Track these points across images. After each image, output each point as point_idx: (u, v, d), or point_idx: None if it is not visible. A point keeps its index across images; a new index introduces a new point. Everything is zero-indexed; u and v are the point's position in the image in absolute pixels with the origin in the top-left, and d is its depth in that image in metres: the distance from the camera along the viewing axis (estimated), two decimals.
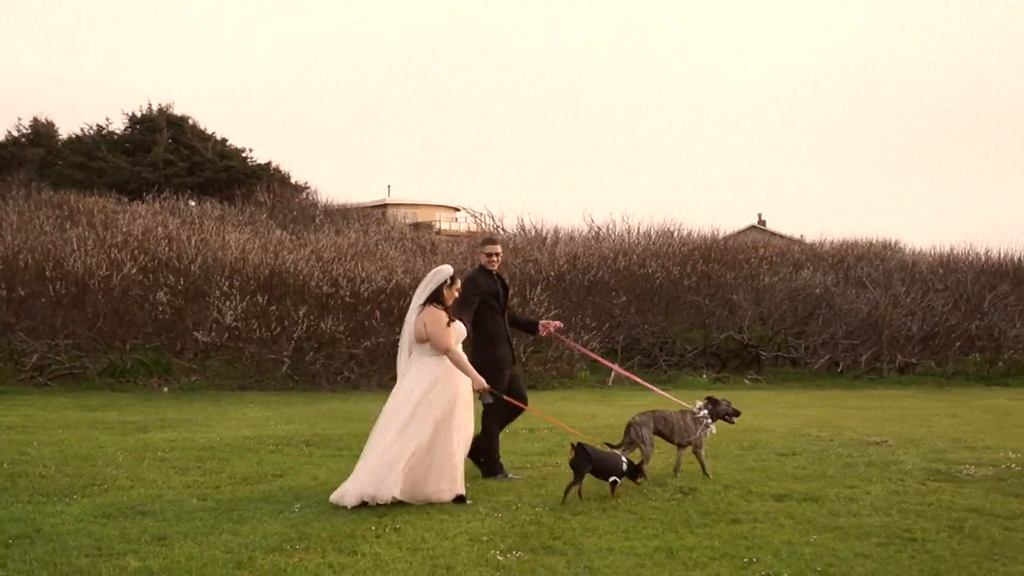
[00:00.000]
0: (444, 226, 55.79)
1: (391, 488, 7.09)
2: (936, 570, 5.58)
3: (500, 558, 5.71)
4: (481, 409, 8.23)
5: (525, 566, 5.56)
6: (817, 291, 23.14)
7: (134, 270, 18.41)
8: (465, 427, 7.57)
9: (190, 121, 41.14)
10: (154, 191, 32.51)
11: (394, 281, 18.88)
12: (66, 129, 45.48)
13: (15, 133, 46.29)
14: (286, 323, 17.74)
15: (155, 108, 41.10)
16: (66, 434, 11.27)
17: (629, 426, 8.28)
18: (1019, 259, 26.12)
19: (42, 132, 45.12)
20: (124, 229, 20.43)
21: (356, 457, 9.52)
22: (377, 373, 18.70)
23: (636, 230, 33.38)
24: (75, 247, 18.04)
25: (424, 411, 7.32)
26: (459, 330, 7.68)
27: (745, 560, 5.72)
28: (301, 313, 17.60)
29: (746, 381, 21.25)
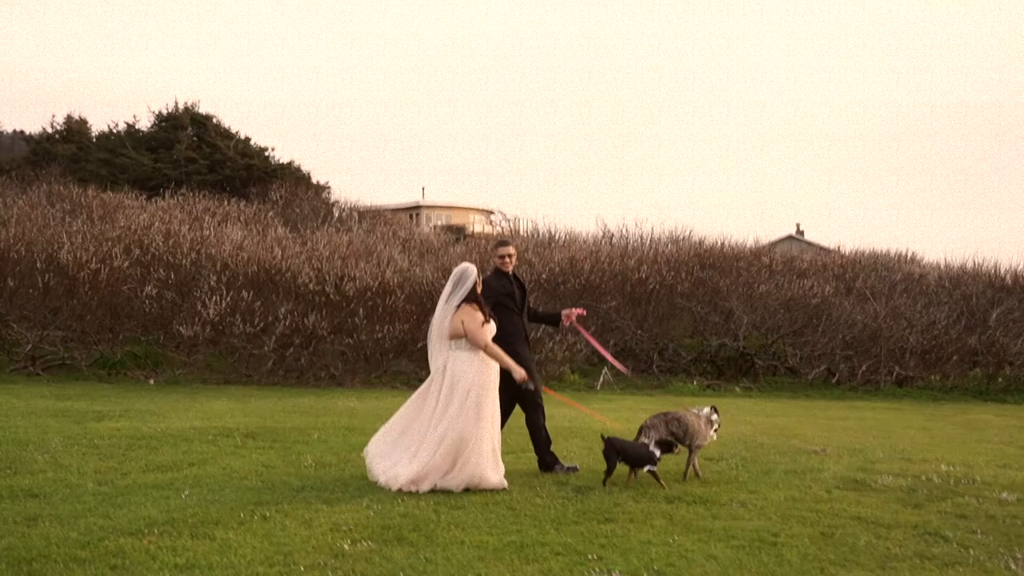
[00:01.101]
0: (478, 228, 56.12)
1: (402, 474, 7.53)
2: (774, 573, 5.57)
3: (346, 547, 5.78)
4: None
5: (364, 555, 5.62)
6: (815, 300, 22.93)
7: (126, 264, 18.72)
8: (496, 415, 7.90)
9: (214, 120, 41.71)
10: (171, 187, 32.98)
11: (379, 280, 19.01)
12: (100, 127, 46.44)
13: (49, 130, 47.30)
14: (270, 318, 17.95)
15: (181, 107, 41.81)
16: (22, 420, 11.53)
17: (642, 429, 8.37)
18: None
19: (75, 129, 46.00)
20: (122, 224, 20.77)
21: (286, 449, 9.77)
22: (362, 371, 18.89)
23: (649, 235, 33.37)
24: (65, 240, 18.38)
25: (463, 402, 7.68)
26: (491, 328, 7.98)
27: (589, 557, 5.74)
28: (283, 310, 17.80)
29: (737, 389, 21.12)
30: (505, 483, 7.76)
